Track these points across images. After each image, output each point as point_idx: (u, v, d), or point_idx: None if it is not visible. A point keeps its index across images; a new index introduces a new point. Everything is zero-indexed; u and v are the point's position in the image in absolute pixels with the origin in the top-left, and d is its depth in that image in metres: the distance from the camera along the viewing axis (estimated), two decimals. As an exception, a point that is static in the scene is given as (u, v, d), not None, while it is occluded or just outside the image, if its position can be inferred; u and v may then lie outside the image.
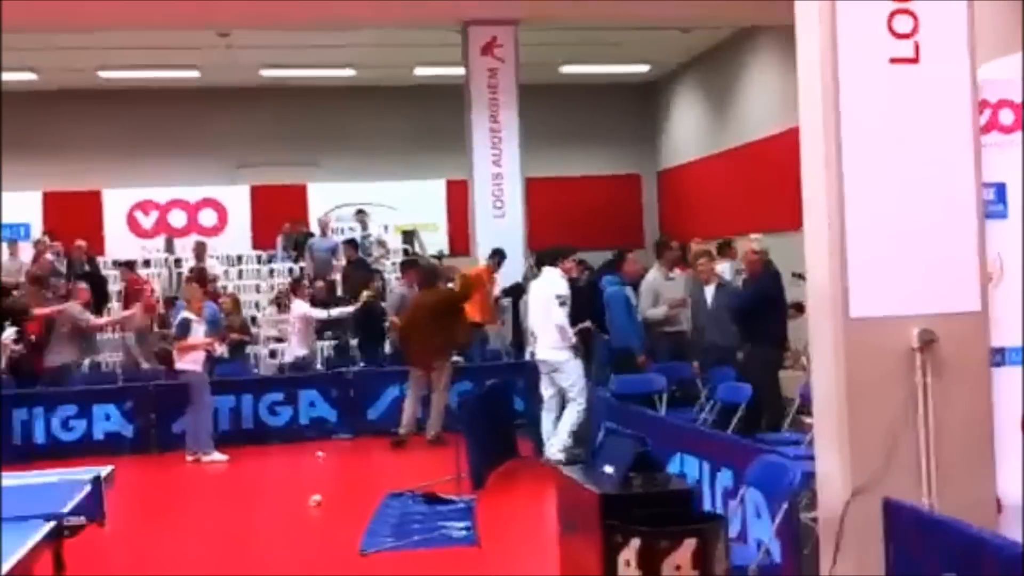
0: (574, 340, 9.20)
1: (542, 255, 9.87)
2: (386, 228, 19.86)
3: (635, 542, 3.91)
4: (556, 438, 9.17)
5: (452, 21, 14.44)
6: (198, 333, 10.81)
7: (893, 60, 4.60)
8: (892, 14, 4.60)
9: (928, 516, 4.03)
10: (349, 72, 18.85)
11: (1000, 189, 4.76)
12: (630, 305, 10.42)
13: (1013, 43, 8.92)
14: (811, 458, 5.18)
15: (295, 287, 13.47)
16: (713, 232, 15.34)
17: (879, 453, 4.48)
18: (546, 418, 9.42)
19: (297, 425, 11.73)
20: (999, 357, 4.71)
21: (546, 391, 9.38)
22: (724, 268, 12.08)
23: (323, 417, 11.82)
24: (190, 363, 10.73)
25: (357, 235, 17.56)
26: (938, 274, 4.59)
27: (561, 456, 9.00)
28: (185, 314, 10.86)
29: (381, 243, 18.36)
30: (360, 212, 18.41)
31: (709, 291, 10.01)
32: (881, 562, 4.25)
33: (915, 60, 4.61)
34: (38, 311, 11.95)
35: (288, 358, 13.07)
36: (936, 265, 4.60)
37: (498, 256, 13.35)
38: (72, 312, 11.82)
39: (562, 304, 9.14)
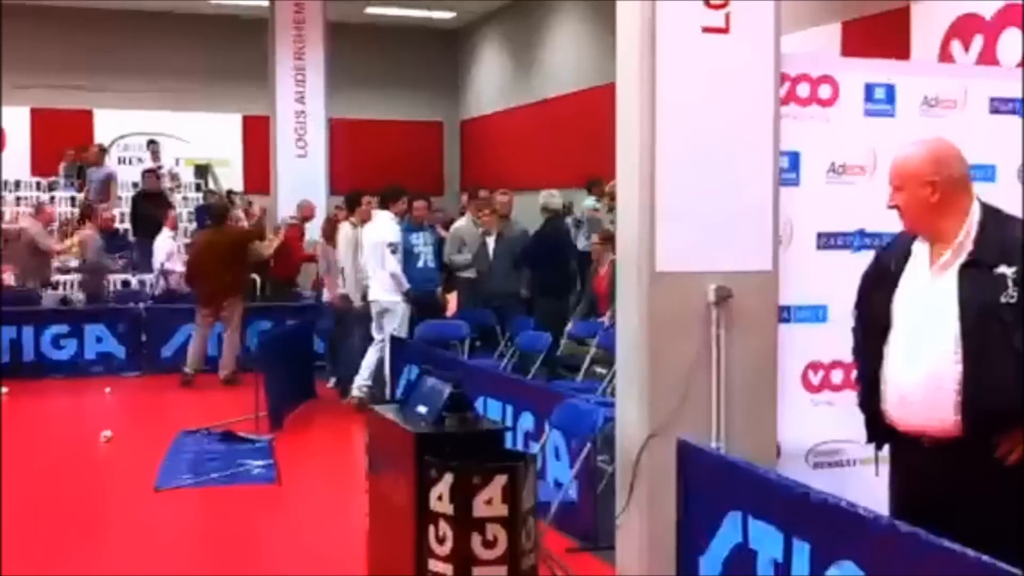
0: (407, 287, 9.21)
1: (382, 196, 9.75)
2: (177, 161, 19.24)
3: (448, 477, 4.04)
4: (358, 377, 9.23)
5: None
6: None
7: (706, 29, 4.83)
8: (706, -15, 4.84)
9: (719, 457, 4.34)
10: (144, -6, 18.06)
11: (794, 158, 5.08)
12: (410, 251, 9.95)
13: (813, 18, 9.49)
14: (606, 405, 5.49)
15: (88, 212, 12.94)
16: (512, 184, 15.59)
17: (675, 399, 4.76)
18: (371, 356, 9.36)
19: (82, 360, 11.33)
20: (785, 314, 5.07)
21: (376, 333, 9.37)
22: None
23: (110, 353, 11.46)
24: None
25: (146, 166, 16.94)
26: (736, 235, 4.88)
27: (360, 395, 9.10)
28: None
29: (173, 176, 17.80)
30: (152, 142, 17.73)
31: (490, 241, 10.33)
32: (673, 501, 4.54)
33: (726, 30, 4.86)
34: None
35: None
36: (734, 226, 4.88)
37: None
38: None
39: (393, 251, 9.16)
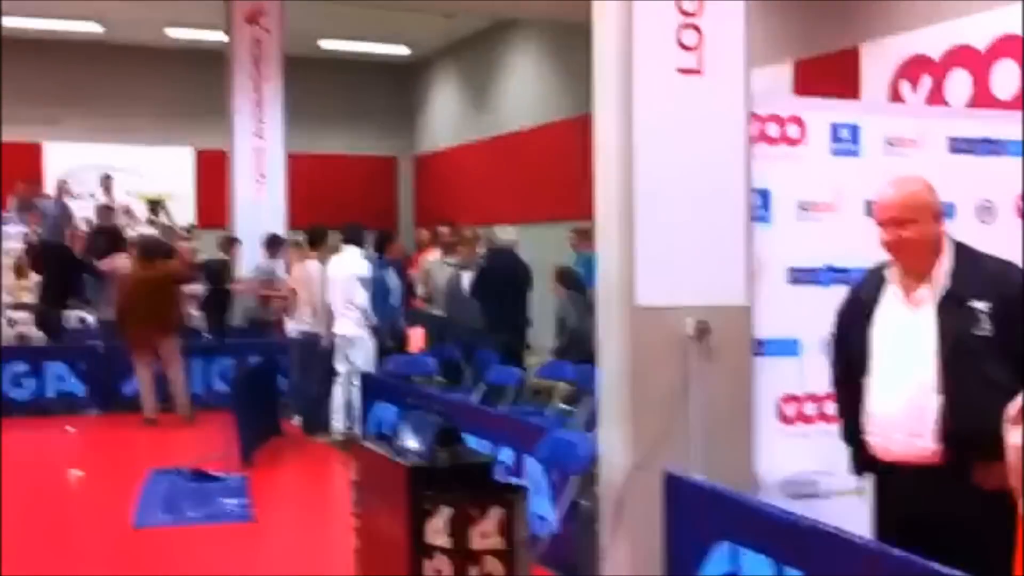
0: (375, 321, 9.30)
1: (349, 232, 9.83)
2: (129, 195, 19.12)
3: (445, 510, 4.13)
4: (334, 418, 9.30)
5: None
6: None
7: (680, 70, 5.02)
8: (680, 27, 5.02)
9: (708, 488, 4.46)
10: (96, 27, 17.97)
11: (764, 195, 5.26)
12: (386, 288, 10.30)
13: (766, 56, 9.75)
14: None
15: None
16: (467, 219, 15.74)
17: (657, 431, 4.89)
18: (337, 395, 9.48)
19: (43, 399, 11.23)
20: (759, 347, 5.23)
21: (340, 366, 9.43)
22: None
23: (71, 391, 11.36)
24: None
25: (97, 202, 16.82)
26: (712, 270, 5.05)
27: (342, 437, 9.17)
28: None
29: (127, 210, 17.68)
30: (107, 177, 17.60)
31: (466, 276, 10.42)
32: (658, 531, 4.66)
33: (699, 72, 5.05)
34: None
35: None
36: (711, 262, 5.05)
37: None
38: None
39: (364, 286, 9.25)
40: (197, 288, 12.19)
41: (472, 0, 15.14)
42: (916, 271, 3.64)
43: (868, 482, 3.94)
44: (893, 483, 3.68)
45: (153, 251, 11.30)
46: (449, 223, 13.91)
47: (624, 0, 4.93)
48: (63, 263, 12.66)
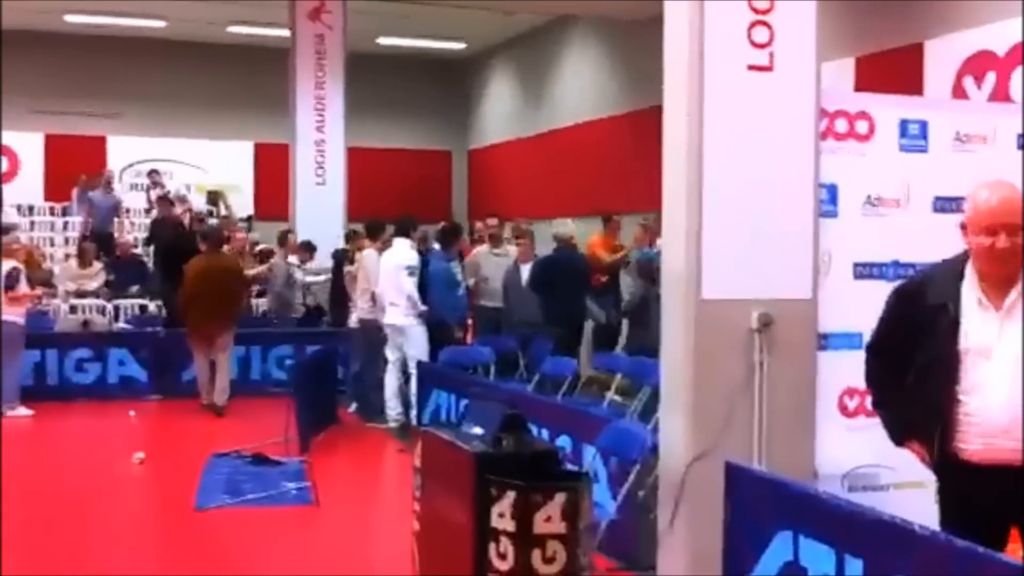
0: (423, 308, 9.44)
1: (399, 225, 9.99)
2: (189, 187, 19.44)
3: (510, 495, 4.19)
4: (389, 407, 9.46)
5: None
6: (24, 284, 10.49)
7: (751, 67, 5.04)
8: (751, 25, 5.04)
9: (770, 478, 4.49)
10: (159, 24, 18.28)
11: (832, 190, 5.28)
12: (452, 280, 10.46)
13: (827, 52, 9.70)
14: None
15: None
16: (519, 213, 15.80)
17: (718, 422, 4.93)
18: (389, 382, 9.61)
19: (105, 384, 11.45)
20: (823, 341, 5.24)
21: (391, 355, 9.57)
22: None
23: (133, 376, 11.58)
24: (16, 315, 10.35)
25: (149, 194, 17.16)
26: (778, 263, 5.07)
27: (397, 423, 9.29)
28: (13, 263, 10.48)
29: (181, 199, 17.91)
30: (153, 172, 17.85)
31: (525, 269, 10.47)
32: (718, 521, 4.68)
33: (770, 68, 5.07)
34: None
35: None
36: (776, 255, 5.07)
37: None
38: None
39: (411, 274, 9.39)
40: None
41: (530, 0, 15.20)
42: (1012, 279, 3.57)
43: (928, 475, 3.91)
44: (978, 481, 3.60)
45: (219, 239, 11.48)
46: (495, 215, 13.97)
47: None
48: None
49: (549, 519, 4.20)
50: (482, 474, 4.33)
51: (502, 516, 4.22)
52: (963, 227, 3.68)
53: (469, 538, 4.35)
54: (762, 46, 5.04)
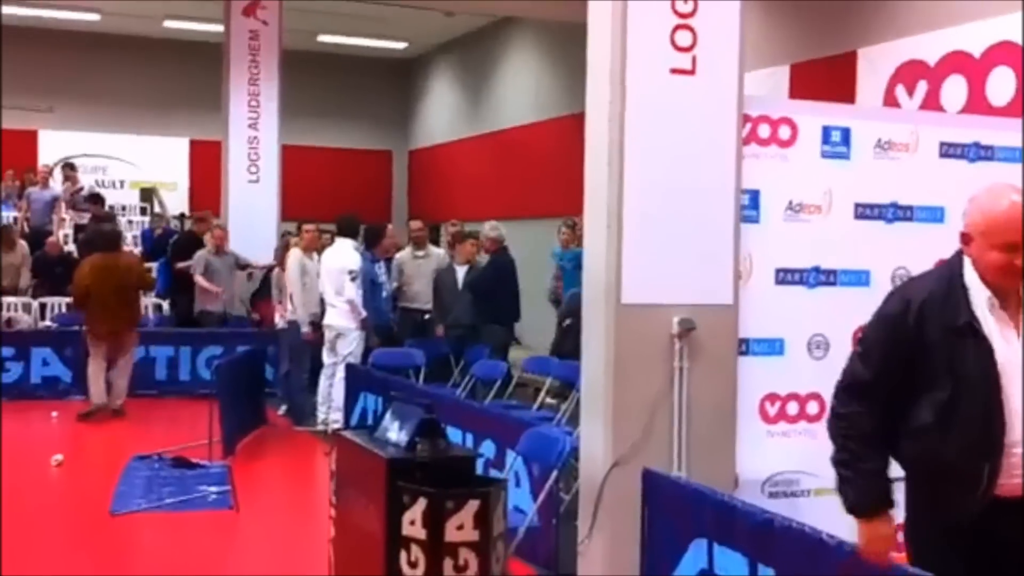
0: (364, 314, 9.30)
1: (342, 224, 9.85)
2: (123, 184, 19.14)
3: (422, 502, 4.10)
4: (323, 411, 9.34)
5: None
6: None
7: (673, 70, 5.00)
8: (675, 28, 5.00)
9: (686, 486, 4.46)
10: (94, 17, 17.95)
11: (754, 196, 5.25)
12: (373, 283, 10.25)
13: (763, 59, 9.74)
14: (566, 434, 5.60)
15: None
16: (458, 214, 15.73)
17: (638, 428, 4.88)
18: (323, 384, 9.48)
19: (28, 384, 11.19)
20: (744, 347, 5.22)
21: (327, 358, 9.44)
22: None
23: (57, 376, 11.33)
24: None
25: (61, 188, 16.77)
26: (699, 269, 5.04)
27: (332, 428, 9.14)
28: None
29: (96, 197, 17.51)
30: (68, 166, 17.48)
31: (461, 271, 10.39)
32: (636, 528, 4.65)
33: (692, 72, 5.03)
34: None
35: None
36: (698, 260, 5.04)
37: None
38: None
39: (353, 279, 9.24)
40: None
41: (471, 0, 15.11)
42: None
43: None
44: (1007, 515, 3.23)
45: (115, 240, 11.24)
46: (418, 218, 13.86)
47: (619, 0, 4.91)
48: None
49: (461, 527, 4.11)
50: (394, 480, 4.24)
51: (413, 523, 4.13)
52: (966, 237, 3.32)
53: (381, 546, 4.26)
54: (685, 50, 5.00)
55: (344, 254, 9.46)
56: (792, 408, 5.26)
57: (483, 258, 10.62)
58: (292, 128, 14.96)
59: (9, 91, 18.64)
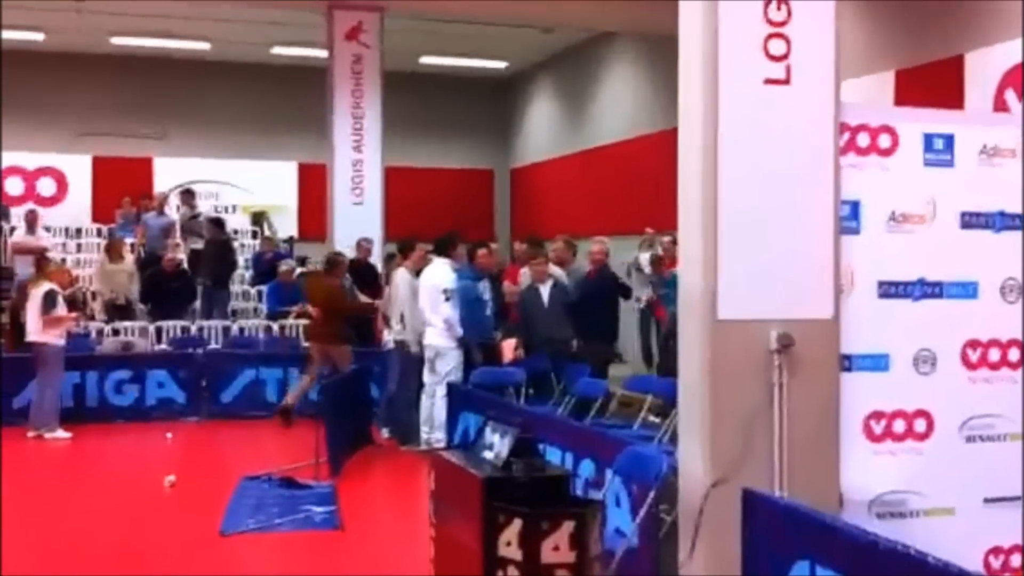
0: (460, 333, 9.35)
1: (437, 244, 9.91)
2: (234, 208, 19.59)
3: (517, 523, 4.11)
4: (427, 430, 9.43)
5: (317, 3, 14.38)
6: (62, 306, 10.61)
7: (767, 81, 4.92)
8: (768, 37, 4.92)
9: (787, 506, 4.35)
10: (204, 45, 18.49)
11: (854, 206, 5.13)
12: (476, 299, 10.11)
13: (867, 66, 9.53)
14: (666, 453, 5.53)
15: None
16: (561, 231, 15.71)
17: (737, 447, 4.79)
18: (426, 403, 9.55)
19: (143, 406, 11.54)
20: (846, 363, 5.09)
21: (428, 377, 9.51)
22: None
23: (171, 398, 11.66)
24: (54, 337, 10.49)
25: (180, 214, 17.18)
26: (797, 282, 4.94)
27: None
28: (50, 286, 10.61)
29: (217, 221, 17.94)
30: (186, 192, 17.97)
31: (544, 289, 10.26)
32: (737, 549, 4.56)
33: (787, 82, 4.94)
34: None
35: None
36: (796, 274, 4.94)
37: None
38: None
39: (447, 298, 9.30)
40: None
41: (570, 13, 15.12)
42: None
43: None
44: None
45: (335, 263, 11.35)
46: (526, 239, 13.80)
47: (710, 6, 4.85)
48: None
49: (557, 548, 4.11)
50: (490, 500, 4.25)
51: (509, 544, 4.14)
52: None
53: (478, 566, 4.27)
54: (779, 59, 4.92)
55: (439, 273, 9.54)
56: (898, 426, 5.10)
57: (554, 271, 10.46)
58: (394, 149, 15.19)
59: (124, 120, 19.36)
